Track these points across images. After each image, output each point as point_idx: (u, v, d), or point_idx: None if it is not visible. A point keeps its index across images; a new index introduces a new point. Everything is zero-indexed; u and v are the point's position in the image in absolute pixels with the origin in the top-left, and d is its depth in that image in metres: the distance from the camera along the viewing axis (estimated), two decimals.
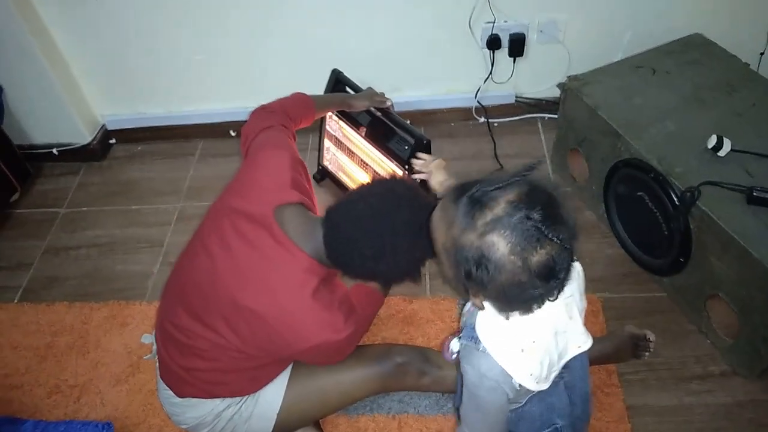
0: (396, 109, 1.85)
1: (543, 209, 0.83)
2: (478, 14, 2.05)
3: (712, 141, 1.59)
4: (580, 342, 1.06)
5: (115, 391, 1.72)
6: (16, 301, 1.99)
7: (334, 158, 2.10)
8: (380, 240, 1.18)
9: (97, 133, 2.43)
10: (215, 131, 2.44)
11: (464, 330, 1.05)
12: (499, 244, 0.83)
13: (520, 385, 0.99)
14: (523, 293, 0.87)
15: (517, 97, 2.31)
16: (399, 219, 1.18)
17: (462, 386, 1.08)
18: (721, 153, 1.59)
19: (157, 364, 1.42)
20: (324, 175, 2.17)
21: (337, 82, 1.94)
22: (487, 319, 0.99)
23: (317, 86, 1.95)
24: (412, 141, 1.76)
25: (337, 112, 1.92)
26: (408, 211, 1.18)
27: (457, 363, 1.20)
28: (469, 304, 1.10)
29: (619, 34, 2.10)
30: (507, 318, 0.95)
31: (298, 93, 1.66)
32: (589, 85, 1.85)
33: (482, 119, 2.34)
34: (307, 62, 2.19)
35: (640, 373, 1.62)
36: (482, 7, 2.03)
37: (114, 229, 2.18)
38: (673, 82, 1.83)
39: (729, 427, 1.51)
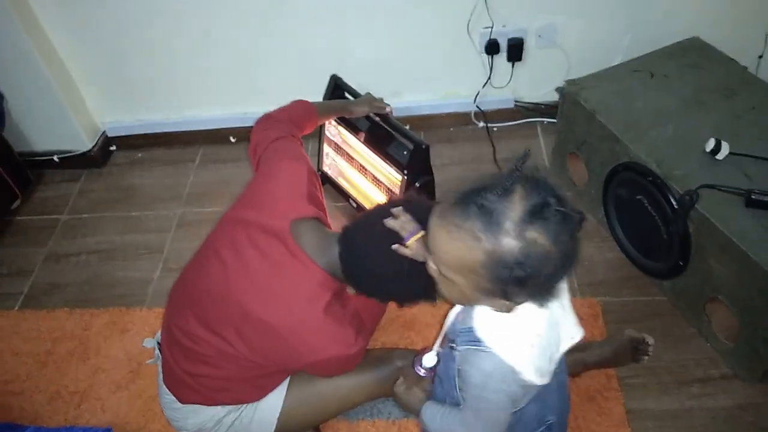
0: (395, 114, 1.85)
1: (552, 193, 0.84)
2: (477, 19, 2.05)
3: (711, 144, 1.59)
4: (573, 333, 1.05)
5: (115, 397, 1.72)
6: (17, 307, 2.00)
7: (333, 163, 2.10)
8: (399, 263, 1.16)
9: (98, 140, 2.44)
10: (215, 137, 2.45)
11: (458, 338, 1.04)
12: (539, 239, 0.83)
13: (524, 383, 0.99)
14: (559, 278, 0.89)
15: (516, 101, 2.32)
16: None
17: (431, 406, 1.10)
18: (720, 156, 1.59)
19: (160, 368, 1.42)
20: (323, 180, 2.17)
21: (336, 87, 1.94)
22: (489, 319, 0.98)
23: (316, 91, 1.96)
24: (411, 146, 1.77)
25: (337, 117, 1.92)
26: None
27: (432, 378, 1.20)
28: (453, 313, 1.10)
29: (618, 38, 2.10)
30: (509, 312, 0.94)
31: (300, 100, 1.67)
32: (588, 89, 1.86)
33: (481, 124, 2.35)
34: (306, 68, 2.20)
35: (640, 377, 1.62)
36: (480, 12, 2.03)
37: (114, 236, 2.19)
38: (672, 85, 1.83)
39: (730, 431, 1.51)
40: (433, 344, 1.20)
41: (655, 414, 1.55)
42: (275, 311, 1.21)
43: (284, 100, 1.65)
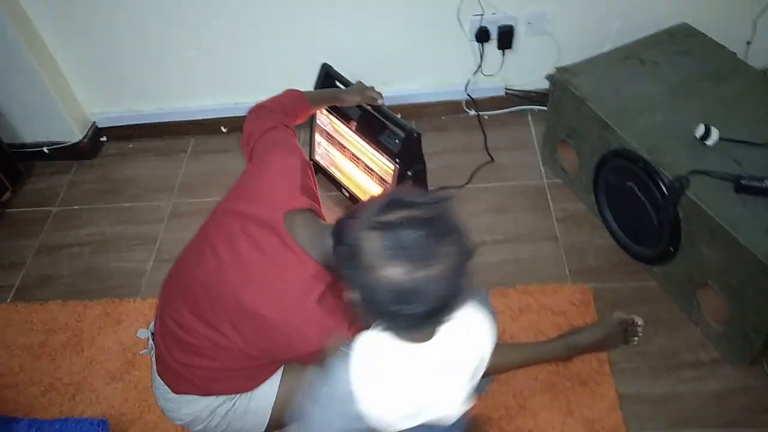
0: (386, 102, 1.85)
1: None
2: (467, 7, 2.05)
3: (700, 130, 1.60)
4: (449, 411, 1.00)
5: (110, 388, 1.73)
6: (9, 300, 1.99)
7: (325, 153, 2.10)
8: None
9: (88, 131, 2.42)
10: (206, 128, 2.44)
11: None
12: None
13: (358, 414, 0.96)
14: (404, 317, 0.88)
15: (506, 89, 2.32)
16: None
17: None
18: (709, 142, 1.60)
19: (154, 359, 1.42)
20: (315, 169, 2.16)
21: (327, 76, 1.94)
22: (374, 337, 0.98)
23: (307, 80, 1.95)
24: (402, 135, 1.77)
25: (328, 106, 1.92)
26: None
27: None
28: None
29: (607, 25, 2.11)
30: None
31: (292, 90, 1.66)
32: (578, 76, 1.86)
33: (472, 112, 2.35)
34: (296, 57, 2.19)
35: (631, 361, 1.64)
36: (470, 0, 2.03)
37: (107, 227, 2.18)
38: (662, 72, 1.84)
39: (721, 414, 1.53)
40: None
41: (647, 398, 1.57)
42: (269, 303, 1.21)
43: (275, 90, 1.65)
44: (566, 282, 1.82)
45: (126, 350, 1.80)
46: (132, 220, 2.19)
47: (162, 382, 1.38)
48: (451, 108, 2.36)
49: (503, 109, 2.34)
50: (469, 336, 0.99)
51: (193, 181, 2.31)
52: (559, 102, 1.93)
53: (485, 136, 2.27)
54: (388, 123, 1.82)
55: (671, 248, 1.64)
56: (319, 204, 1.38)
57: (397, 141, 1.79)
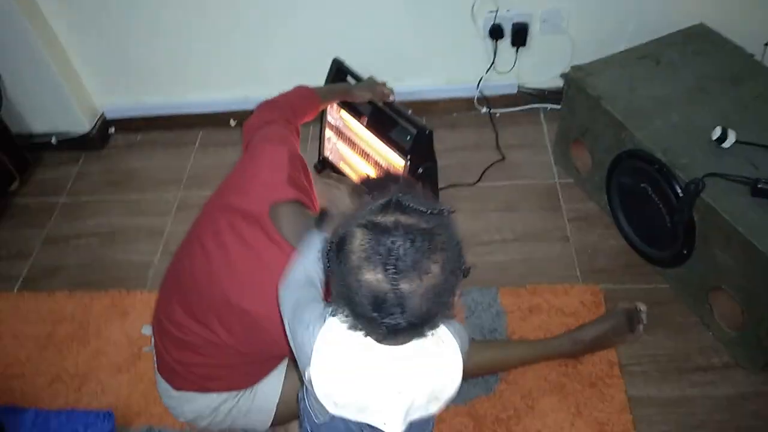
0: (397, 98, 1.83)
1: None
2: (481, 3, 2.03)
3: (717, 132, 1.58)
4: (385, 421, 0.94)
5: (116, 380, 1.72)
6: (16, 290, 1.99)
7: (334, 148, 2.08)
8: None
9: (96, 122, 2.41)
10: (215, 120, 2.43)
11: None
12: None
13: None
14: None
15: (519, 87, 2.30)
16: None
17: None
18: (726, 144, 1.58)
19: (155, 356, 1.41)
20: (325, 165, 2.15)
21: (339, 71, 1.92)
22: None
23: (318, 74, 1.94)
24: (414, 131, 1.75)
25: (339, 101, 1.90)
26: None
27: None
28: None
29: (623, 24, 2.08)
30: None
31: (301, 86, 1.65)
32: (593, 75, 1.84)
33: (484, 109, 2.33)
34: (308, 51, 2.18)
35: (642, 364, 1.62)
36: None
37: (114, 219, 2.17)
38: (678, 72, 1.82)
39: (731, 419, 1.51)
40: None
41: (657, 401, 1.56)
42: (252, 298, 1.20)
43: (285, 84, 1.64)
44: (577, 283, 1.80)
45: (132, 342, 1.79)
46: (139, 212, 2.18)
47: (163, 380, 1.38)
48: (463, 105, 2.34)
49: (515, 107, 2.32)
50: (433, 365, 0.93)
51: (200, 173, 2.30)
52: (573, 101, 1.91)
53: (497, 134, 2.25)
54: (399, 119, 1.80)
55: (685, 251, 1.62)
56: (309, 195, 1.36)
57: (408, 137, 1.77)
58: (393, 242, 0.80)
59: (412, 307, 0.81)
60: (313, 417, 1.02)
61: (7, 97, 2.26)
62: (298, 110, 1.56)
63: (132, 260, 2.03)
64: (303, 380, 0.97)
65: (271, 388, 1.39)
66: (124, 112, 2.44)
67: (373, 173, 1.92)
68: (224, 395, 1.35)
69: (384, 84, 1.82)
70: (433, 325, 0.87)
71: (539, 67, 2.23)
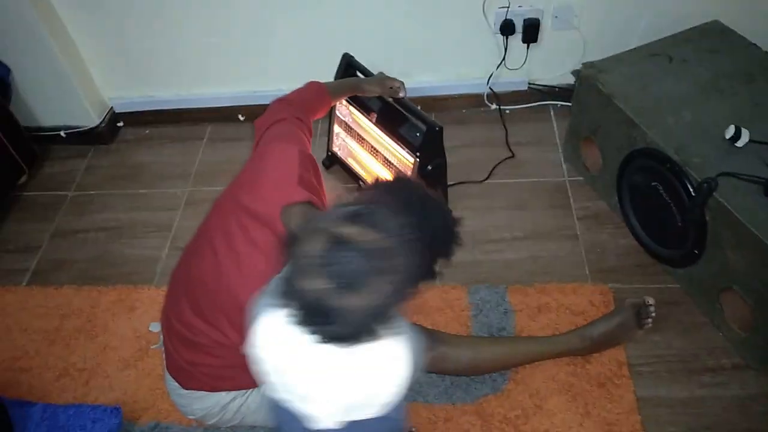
0: (406, 94, 1.82)
1: None
2: None
3: (731, 131, 1.56)
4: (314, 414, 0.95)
5: (123, 375, 1.72)
6: (24, 283, 1.99)
7: (343, 144, 2.08)
8: None
9: (105, 116, 2.41)
10: (224, 115, 2.42)
11: None
12: None
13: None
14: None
15: (529, 83, 2.28)
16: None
17: None
18: (740, 144, 1.56)
19: (164, 354, 1.41)
20: (333, 161, 2.15)
21: (348, 66, 1.91)
22: None
23: (327, 70, 1.93)
24: (424, 128, 1.74)
25: (348, 97, 1.89)
26: (418, 217, 1.15)
27: None
28: None
29: (635, 21, 2.06)
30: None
31: (313, 82, 1.64)
32: (605, 72, 1.82)
33: (494, 106, 2.32)
34: (317, 46, 2.17)
35: (651, 364, 1.61)
36: None
37: (122, 213, 2.17)
38: (691, 70, 1.80)
39: (741, 420, 1.50)
40: None
41: (666, 402, 1.54)
42: None
43: (294, 79, 1.63)
44: (586, 282, 1.79)
45: (140, 337, 1.79)
46: (147, 207, 2.18)
47: (172, 378, 1.38)
48: (473, 101, 2.32)
49: (525, 103, 2.31)
50: (373, 369, 0.93)
51: (209, 168, 2.29)
52: (584, 98, 1.89)
53: (506, 131, 2.23)
54: (409, 115, 1.79)
55: (696, 251, 1.61)
56: (320, 195, 1.36)
57: (417, 134, 1.76)
58: (345, 256, 0.80)
59: (350, 321, 0.81)
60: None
61: (16, 90, 2.26)
62: (311, 107, 1.56)
63: (140, 255, 2.03)
64: None
65: None
66: (133, 106, 2.44)
67: (385, 173, 1.91)
68: (233, 393, 1.35)
69: (394, 79, 1.81)
70: (372, 337, 0.86)
71: (550, 64, 2.21)
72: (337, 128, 2.06)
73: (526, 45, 2.14)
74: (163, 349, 1.42)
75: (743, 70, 1.77)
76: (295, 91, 1.59)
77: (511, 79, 2.26)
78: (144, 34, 2.20)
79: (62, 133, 2.39)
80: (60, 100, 2.31)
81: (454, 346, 1.54)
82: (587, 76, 1.83)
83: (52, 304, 1.90)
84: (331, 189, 1.42)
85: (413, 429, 1.54)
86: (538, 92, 2.29)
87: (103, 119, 2.40)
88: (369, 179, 2.01)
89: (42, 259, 2.06)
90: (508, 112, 2.31)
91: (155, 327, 1.53)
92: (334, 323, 0.82)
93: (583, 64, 1.87)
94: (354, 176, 2.08)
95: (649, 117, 1.68)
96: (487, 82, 2.25)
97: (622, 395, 1.56)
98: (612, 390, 1.57)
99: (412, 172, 1.79)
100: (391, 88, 1.78)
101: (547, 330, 1.69)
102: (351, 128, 1.99)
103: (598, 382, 1.58)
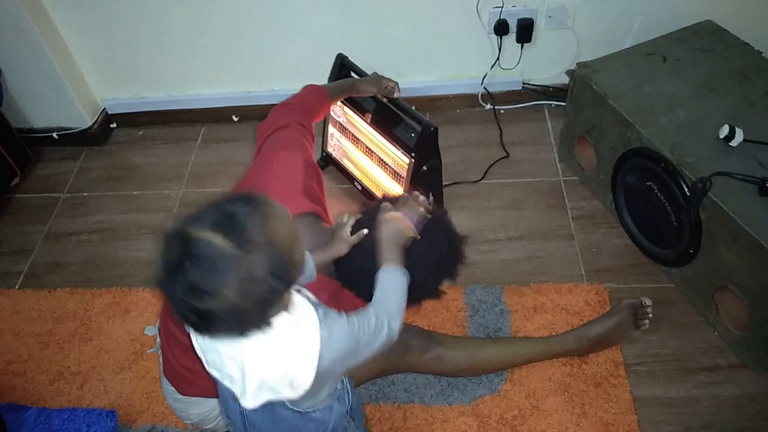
0: (401, 94, 1.82)
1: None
2: None
3: (725, 131, 1.57)
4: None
5: (118, 378, 1.71)
6: (17, 287, 1.98)
7: (338, 145, 2.07)
8: None
9: (98, 117, 2.40)
10: (218, 116, 2.41)
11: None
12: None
13: None
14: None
15: (524, 83, 2.28)
16: (416, 248, 1.14)
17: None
18: (734, 143, 1.56)
19: (161, 359, 1.40)
20: (328, 161, 2.14)
21: (342, 67, 1.90)
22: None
23: (321, 70, 1.92)
24: (419, 128, 1.74)
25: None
26: (426, 239, 1.15)
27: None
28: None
29: (629, 21, 2.07)
30: None
31: (310, 85, 1.63)
32: (599, 72, 1.82)
33: (488, 106, 2.32)
34: (310, 47, 2.16)
35: (647, 364, 1.61)
36: None
37: (116, 215, 2.16)
38: (685, 70, 1.80)
39: (737, 420, 1.50)
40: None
41: (662, 401, 1.55)
42: None
43: (288, 79, 1.62)
44: (582, 282, 1.79)
45: (134, 340, 1.78)
46: (141, 209, 2.17)
47: (169, 383, 1.37)
48: (467, 101, 2.32)
49: (520, 103, 2.31)
50: (285, 350, 0.94)
51: (203, 169, 2.28)
52: (578, 98, 1.89)
53: (501, 131, 2.23)
54: (403, 116, 1.79)
55: (691, 250, 1.61)
56: (323, 204, 1.35)
57: (412, 134, 1.76)
58: (180, 259, 0.81)
59: (220, 321, 0.84)
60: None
61: (8, 91, 2.24)
62: (312, 111, 1.55)
63: (134, 257, 2.02)
64: None
65: None
66: (126, 107, 2.43)
67: (380, 174, 1.90)
68: None
69: (389, 79, 1.80)
70: (263, 326, 0.88)
71: (544, 64, 2.22)
72: (331, 129, 2.05)
73: (520, 45, 2.15)
74: (160, 353, 1.41)
75: (737, 70, 1.78)
76: (295, 95, 1.58)
77: (506, 79, 2.26)
78: (137, 34, 2.19)
79: (54, 135, 2.37)
80: (52, 102, 2.29)
81: (451, 347, 1.54)
82: (581, 75, 1.83)
83: (46, 307, 1.89)
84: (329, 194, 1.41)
85: None
86: (532, 92, 2.30)
87: (96, 120, 2.39)
88: (363, 179, 2.00)
89: (35, 262, 2.05)
90: (502, 111, 2.31)
91: (150, 330, 1.52)
92: (207, 323, 0.84)
93: (577, 63, 1.88)
94: (349, 177, 2.07)
95: (644, 116, 1.68)
96: (482, 82, 2.25)
97: (618, 395, 1.56)
98: (608, 390, 1.57)
99: (407, 172, 1.79)
100: (386, 87, 1.77)
101: (544, 330, 1.69)
102: (345, 129, 1.98)
103: (595, 382, 1.58)
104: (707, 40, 1.88)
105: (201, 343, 1.00)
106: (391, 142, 1.80)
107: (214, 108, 2.40)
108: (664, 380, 1.58)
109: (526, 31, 2.09)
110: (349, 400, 1.16)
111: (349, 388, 1.16)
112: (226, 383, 0.99)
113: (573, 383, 1.58)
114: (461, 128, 2.27)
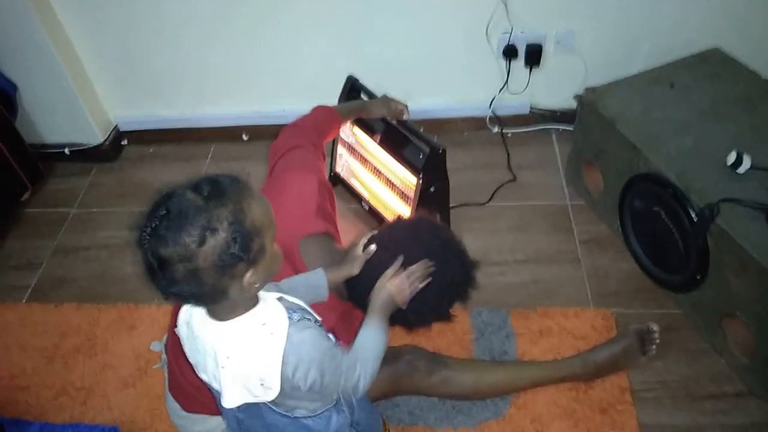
0: (410, 117, 1.83)
1: None
2: (496, 23, 2.03)
3: (732, 157, 1.57)
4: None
5: (122, 394, 1.71)
6: (24, 300, 1.99)
7: (346, 165, 2.08)
8: None
9: (110, 133, 2.43)
10: (228, 134, 2.43)
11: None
12: None
13: None
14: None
15: (531, 107, 2.30)
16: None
17: None
18: (741, 170, 1.56)
19: (167, 375, 1.40)
20: (336, 181, 2.15)
21: (352, 88, 1.93)
22: None
23: (331, 91, 1.94)
24: (427, 149, 1.75)
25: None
26: (439, 262, 1.16)
27: None
28: None
29: (637, 47, 2.08)
30: None
31: (322, 106, 1.65)
32: (607, 97, 1.84)
33: (496, 129, 2.33)
34: (320, 68, 2.18)
35: (653, 391, 1.60)
36: (500, 17, 2.01)
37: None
38: (692, 96, 1.81)
39: None
40: None
41: (668, 429, 1.53)
42: None
43: (298, 99, 1.64)
44: (588, 306, 1.78)
45: (139, 357, 1.78)
46: None
47: (174, 399, 1.37)
48: (475, 124, 2.34)
49: (527, 127, 2.32)
50: (254, 348, 0.97)
51: None
52: (586, 122, 1.90)
53: (508, 154, 2.24)
54: (412, 137, 1.80)
55: (698, 276, 1.61)
56: (335, 225, 1.36)
57: (420, 156, 1.77)
58: (156, 207, 0.93)
59: (178, 275, 0.89)
60: None
61: (22, 107, 2.27)
62: (323, 132, 1.57)
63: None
64: None
65: None
66: (138, 125, 2.45)
67: (388, 194, 1.91)
68: None
69: (398, 101, 1.82)
70: (221, 296, 0.92)
71: (552, 88, 2.23)
72: (340, 149, 2.07)
73: (528, 69, 2.16)
74: (165, 369, 1.41)
75: (744, 97, 1.78)
76: (306, 116, 1.60)
77: (514, 103, 2.27)
78: (150, 53, 2.22)
79: (66, 150, 2.40)
80: (65, 118, 2.32)
81: (457, 370, 1.53)
82: (589, 100, 1.84)
83: (52, 321, 1.89)
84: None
85: None
86: (540, 116, 2.31)
87: (108, 137, 2.41)
88: (371, 200, 2.01)
89: (43, 276, 2.06)
90: (510, 135, 2.32)
91: (156, 346, 1.51)
92: (166, 277, 0.89)
93: (585, 89, 1.89)
94: (356, 197, 2.08)
95: (651, 142, 1.69)
96: (490, 106, 2.27)
97: (624, 422, 1.54)
98: (614, 416, 1.55)
99: (415, 194, 1.80)
100: (395, 109, 1.79)
101: (549, 354, 1.68)
102: (354, 149, 1.99)
103: (601, 408, 1.57)
104: (715, 67, 1.90)
105: (189, 345, 1.03)
106: (399, 163, 1.82)
107: (224, 127, 2.42)
108: (671, 407, 1.57)
109: (534, 55, 2.11)
110: (352, 414, 1.15)
111: (354, 401, 1.16)
112: (215, 385, 1.01)
113: (579, 408, 1.57)
114: (469, 151, 2.29)
